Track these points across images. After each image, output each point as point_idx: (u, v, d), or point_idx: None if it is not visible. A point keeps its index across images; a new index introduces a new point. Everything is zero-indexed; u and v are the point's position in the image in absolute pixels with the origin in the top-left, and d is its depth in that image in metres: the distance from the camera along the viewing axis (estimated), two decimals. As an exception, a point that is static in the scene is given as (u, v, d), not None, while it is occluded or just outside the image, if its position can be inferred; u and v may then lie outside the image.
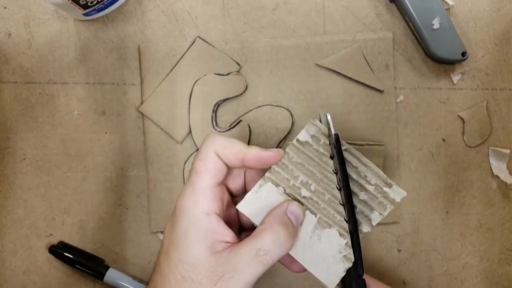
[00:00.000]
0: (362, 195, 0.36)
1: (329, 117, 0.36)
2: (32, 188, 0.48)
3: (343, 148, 0.36)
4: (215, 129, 0.48)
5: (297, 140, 0.36)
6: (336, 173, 0.36)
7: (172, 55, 0.48)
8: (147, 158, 0.48)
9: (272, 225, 0.33)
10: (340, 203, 0.35)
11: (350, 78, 0.48)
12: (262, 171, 0.36)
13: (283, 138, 0.48)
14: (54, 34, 0.48)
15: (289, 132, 0.48)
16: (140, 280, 0.47)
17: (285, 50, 0.48)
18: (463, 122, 0.48)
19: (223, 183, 0.36)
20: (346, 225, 0.35)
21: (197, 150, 0.48)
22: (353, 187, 0.35)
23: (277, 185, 0.35)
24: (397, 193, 0.35)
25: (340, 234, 0.34)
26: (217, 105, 0.48)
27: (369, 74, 0.47)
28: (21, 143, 0.48)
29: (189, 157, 0.48)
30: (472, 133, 0.48)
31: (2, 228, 0.48)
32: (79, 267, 0.47)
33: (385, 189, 0.35)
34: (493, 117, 0.48)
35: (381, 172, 0.36)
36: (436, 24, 0.46)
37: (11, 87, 0.48)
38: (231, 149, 0.34)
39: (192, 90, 0.48)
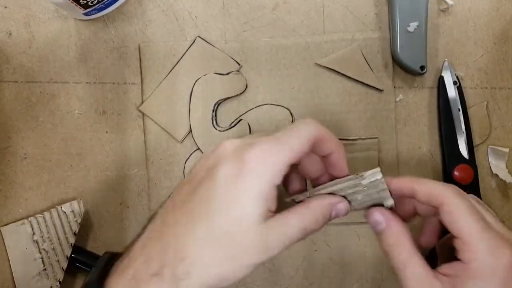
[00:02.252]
0: (360, 198, 0.35)
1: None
2: (33, 187, 0.48)
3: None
4: (215, 128, 0.48)
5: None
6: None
7: (173, 55, 0.48)
8: (148, 157, 0.48)
9: (316, 212, 0.33)
10: None
11: (349, 77, 0.48)
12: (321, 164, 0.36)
13: (283, 137, 0.48)
14: (54, 34, 0.48)
15: (289, 131, 0.48)
16: (141, 279, 0.47)
17: (285, 49, 0.48)
18: (463, 121, 0.48)
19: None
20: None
21: (198, 149, 0.48)
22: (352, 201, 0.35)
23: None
24: (372, 175, 0.33)
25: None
26: (217, 104, 0.48)
27: (369, 73, 0.48)
28: (22, 142, 0.48)
29: (190, 156, 0.48)
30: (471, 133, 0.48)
31: (3, 227, 0.48)
32: (79, 265, 0.47)
33: (363, 182, 0.34)
34: (492, 116, 0.48)
35: (350, 177, 0.35)
36: (411, 27, 0.46)
37: (12, 87, 0.48)
38: (326, 144, 0.34)
39: (192, 89, 0.48)
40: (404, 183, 0.34)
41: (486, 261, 0.30)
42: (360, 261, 0.48)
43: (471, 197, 0.37)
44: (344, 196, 0.35)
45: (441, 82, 0.47)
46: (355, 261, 0.48)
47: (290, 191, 0.37)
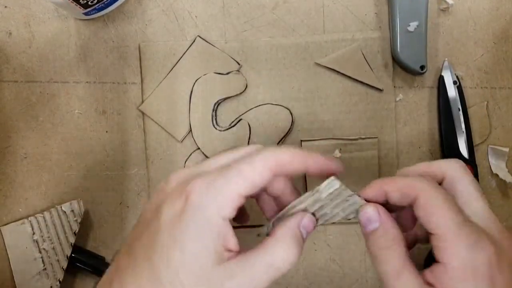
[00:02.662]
0: (329, 212, 0.32)
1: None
2: (33, 187, 0.48)
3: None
4: (215, 128, 0.48)
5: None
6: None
7: (173, 54, 0.48)
8: (148, 156, 0.48)
9: (285, 238, 0.29)
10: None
11: (349, 77, 0.48)
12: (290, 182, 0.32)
13: (283, 137, 0.48)
14: (54, 33, 0.48)
15: (289, 131, 0.48)
16: (141, 278, 0.48)
17: (285, 49, 0.48)
18: (463, 120, 0.48)
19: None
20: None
21: (198, 149, 0.48)
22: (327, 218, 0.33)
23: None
24: (328, 186, 0.30)
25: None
26: (217, 104, 0.48)
27: (369, 73, 0.48)
28: (22, 142, 0.48)
29: (190, 155, 0.48)
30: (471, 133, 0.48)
31: (3, 227, 0.48)
32: (79, 265, 0.47)
33: (322, 195, 0.31)
34: (492, 115, 0.48)
35: (306, 194, 0.31)
36: (411, 27, 0.46)
37: (12, 86, 0.48)
38: (297, 167, 0.30)
39: (192, 89, 0.48)
40: (374, 189, 0.31)
41: (465, 259, 0.27)
42: (360, 261, 0.48)
43: (457, 163, 0.32)
44: (313, 214, 0.32)
45: (441, 81, 0.47)
46: (355, 261, 0.48)
47: (267, 214, 0.34)
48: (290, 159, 0.29)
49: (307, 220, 0.31)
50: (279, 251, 0.28)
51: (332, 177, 0.30)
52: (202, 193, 0.28)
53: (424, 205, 0.29)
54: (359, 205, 0.31)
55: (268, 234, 0.31)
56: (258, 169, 0.28)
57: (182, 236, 0.27)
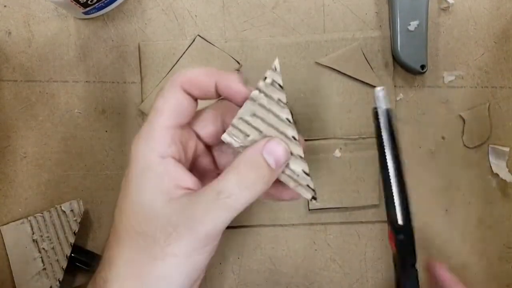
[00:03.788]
0: (262, 128, 0.31)
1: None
2: (32, 187, 0.48)
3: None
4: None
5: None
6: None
7: (172, 54, 0.48)
8: (147, 156, 0.48)
9: (239, 165, 0.28)
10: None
11: (349, 76, 0.48)
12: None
13: (283, 136, 0.48)
14: (54, 33, 0.48)
15: (289, 130, 0.48)
16: (141, 278, 0.47)
17: (285, 48, 0.48)
18: (464, 122, 0.48)
19: (191, 128, 0.32)
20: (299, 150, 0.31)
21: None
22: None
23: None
24: (270, 74, 0.31)
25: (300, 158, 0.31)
26: (217, 103, 0.48)
27: (369, 72, 0.48)
28: (22, 141, 0.48)
29: (189, 155, 0.48)
30: (471, 134, 0.48)
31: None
32: (79, 264, 0.47)
33: (259, 84, 0.31)
34: (493, 115, 0.48)
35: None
36: (412, 26, 0.46)
37: (11, 86, 0.48)
38: (201, 78, 0.30)
39: (192, 88, 0.48)
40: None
41: None
42: (360, 261, 0.48)
43: None
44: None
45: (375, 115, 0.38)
46: (355, 261, 0.48)
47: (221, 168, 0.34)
48: (196, 73, 0.30)
49: (272, 145, 0.29)
50: (229, 177, 0.28)
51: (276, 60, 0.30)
52: (137, 144, 0.29)
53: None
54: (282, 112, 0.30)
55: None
56: (168, 93, 0.29)
57: (128, 185, 0.29)
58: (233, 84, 0.30)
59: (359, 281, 0.48)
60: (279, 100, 0.30)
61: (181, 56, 0.48)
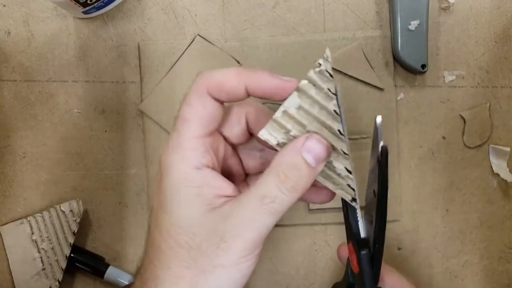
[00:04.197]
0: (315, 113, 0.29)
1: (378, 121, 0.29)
2: (31, 187, 0.48)
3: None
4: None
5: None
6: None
7: (172, 53, 0.48)
8: (147, 156, 0.48)
9: (278, 166, 0.27)
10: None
11: (350, 76, 0.47)
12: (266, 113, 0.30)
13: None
14: (53, 32, 0.48)
15: (289, 130, 0.48)
16: (140, 278, 0.47)
17: (285, 47, 0.48)
18: (464, 121, 0.48)
19: (218, 131, 0.30)
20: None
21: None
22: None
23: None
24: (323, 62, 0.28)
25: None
26: (217, 103, 0.48)
27: (369, 72, 0.47)
28: (21, 141, 0.48)
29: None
30: (472, 134, 0.48)
31: (2, 227, 0.48)
32: (78, 265, 0.47)
33: (310, 73, 0.29)
34: (493, 115, 0.48)
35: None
36: (412, 26, 0.46)
37: (11, 85, 0.48)
38: (230, 82, 0.28)
39: (192, 88, 0.48)
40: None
41: None
42: (360, 260, 0.48)
43: None
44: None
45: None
46: (355, 260, 0.48)
47: (250, 171, 0.33)
48: (225, 77, 0.28)
49: (311, 143, 0.27)
50: (270, 181, 0.27)
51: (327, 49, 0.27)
52: (167, 155, 0.28)
53: None
54: (332, 105, 0.29)
55: None
56: (194, 101, 0.28)
57: (163, 199, 0.28)
58: (264, 81, 0.28)
59: (359, 281, 0.48)
60: (329, 89, 0.28)
61: (180, 56, 0.48)
